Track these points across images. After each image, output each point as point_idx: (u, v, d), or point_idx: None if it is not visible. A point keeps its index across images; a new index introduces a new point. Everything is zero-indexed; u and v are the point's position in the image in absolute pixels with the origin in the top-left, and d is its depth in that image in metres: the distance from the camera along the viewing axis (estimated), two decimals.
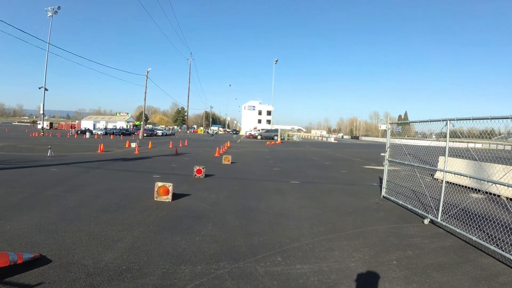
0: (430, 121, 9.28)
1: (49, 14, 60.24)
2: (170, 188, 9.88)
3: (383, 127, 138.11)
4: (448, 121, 8.21)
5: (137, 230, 7.11)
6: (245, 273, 5.19)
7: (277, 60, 68.47)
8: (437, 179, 15.50)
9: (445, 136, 8.47)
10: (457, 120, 7.96)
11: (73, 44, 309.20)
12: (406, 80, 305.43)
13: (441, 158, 13.83)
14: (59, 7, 60.81)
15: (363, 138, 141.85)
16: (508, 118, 6.27)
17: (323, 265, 5.62)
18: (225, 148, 35.50)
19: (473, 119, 7.30)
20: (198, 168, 14.89)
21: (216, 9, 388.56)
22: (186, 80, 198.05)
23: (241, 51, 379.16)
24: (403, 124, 14.54)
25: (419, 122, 10.00)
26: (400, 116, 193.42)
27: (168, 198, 9.85)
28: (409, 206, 9.91)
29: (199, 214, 8.65)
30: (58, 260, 5.34)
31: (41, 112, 63.54)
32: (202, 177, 14.70)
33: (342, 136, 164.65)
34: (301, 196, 11.60)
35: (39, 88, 59.52)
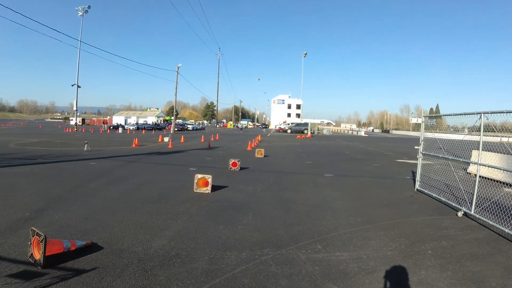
0: (464, 114, 9.32)
1: (80, 13, 62.11)
2: (210, 180, 10.27)
3: (414, 120, 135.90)
4: (482, 114, 8.26)
5: (181, 219, 7.53)
6: (288, 259, 5.50)
7: (306, 53, 68.18)
8: (470, 173, 15.39)
9: (478, 130, 8.54)
10: (491, 113, 7.99)
11: (103, 42, 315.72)
12: (438, 73, 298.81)
13: (474, 152, 13.77)
14: (89, 7, 62.68)
15: (394, 131, 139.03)
16: None
17: (362, 253, 5.87)
18: (257, 142, 35.81)
19: (507, 112, 7.36)
20: (233, 161, 15.26)
21: (244, 3, 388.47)
22: (215, 75, 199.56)
23: (269, 45, 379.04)
24: (436, 117, 14.53)
25: (453, 115, 10.00)
26: (432, 109, 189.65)
27: (208, 189, 10.23)
28: (443, 199, 9.97)
29: (239, 205, 9.02)
30: (109, 247, 5.76)
31: (74, 108, 65.62)
32: (238, 170, 15.05)
33: (373, 130, 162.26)
34: (335, 188, 11.79)
35: (72, 85, 61.40)
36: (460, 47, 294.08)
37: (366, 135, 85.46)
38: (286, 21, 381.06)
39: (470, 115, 8.95)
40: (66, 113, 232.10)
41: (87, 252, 5.47)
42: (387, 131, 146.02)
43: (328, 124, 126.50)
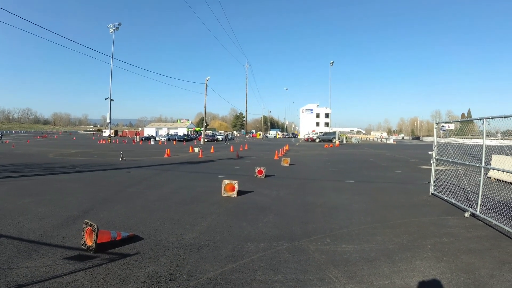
0: (469, 120, 9.79)
1: (111, 30, 65.03)
2: (236, 185, 11.28)
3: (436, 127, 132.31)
4: (484, 120, 8.73)
5: (209, 218, 8.56)
6: (299, 249, 6.38)
7: (333, 62, 67.48)
8: (490, 178, 15.56)
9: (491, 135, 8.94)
10: (492, 118, 8.46)
11: (134, 56, 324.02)
12: (471, 76, 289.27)
13: (494, 157, 14.14)
14: (120, 24, 65.61)
15: (424, 138, 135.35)
16: None
17: (365, 246, 6.64)
18: (284, 151, 36.72)
19: (505, 116, 7.87)
20: (259, 169, 16.19)
21: (270, 13, 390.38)
22: (244, 86, 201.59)
23: (297, 55, 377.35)
24: (447, 123, 14.91)
25: (458, 121, 10.44)
26: (463, 114, 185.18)
27: (234, 194, 11.22)
28: (453, 201, 10.47)
29: (262, 207, 9.95)
30: (148, 238, 6.88)
31: (108, 121, 68.33)
32: (263, 177, 15.94)
33: (403, 137, 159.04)
34: (354, 193, 12.47)
35: (105, 99, 64.15)
36: (495, 48, 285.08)
37: (395, 142, 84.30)
38: (313, 30, 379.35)
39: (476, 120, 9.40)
40: (98, 125, 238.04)
41: (130, 241, 6.57)
42: (418, 138, 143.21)
43: (358, 132, 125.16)
